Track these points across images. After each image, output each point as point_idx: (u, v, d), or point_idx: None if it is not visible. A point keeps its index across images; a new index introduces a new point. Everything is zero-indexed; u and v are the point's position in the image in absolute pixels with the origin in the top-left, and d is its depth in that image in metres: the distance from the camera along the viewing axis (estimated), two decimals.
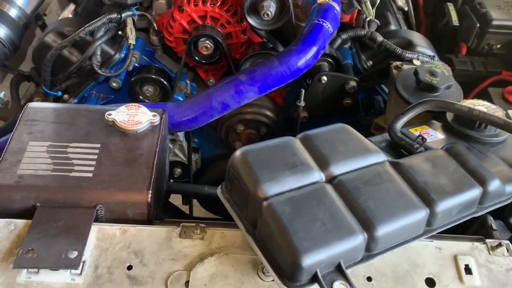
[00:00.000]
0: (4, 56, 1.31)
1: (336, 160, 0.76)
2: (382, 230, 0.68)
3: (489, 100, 1.25)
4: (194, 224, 0.78)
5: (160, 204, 0.96)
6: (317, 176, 0.74)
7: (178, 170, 1.47)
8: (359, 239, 0.66)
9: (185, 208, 1.54)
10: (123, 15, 1.26)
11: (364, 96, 1.39)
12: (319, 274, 0.63)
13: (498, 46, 1.54)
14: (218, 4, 1.25)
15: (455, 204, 0.76)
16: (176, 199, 1.58)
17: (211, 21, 1.27)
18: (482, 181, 0.79)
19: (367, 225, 0.68)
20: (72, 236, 0.74)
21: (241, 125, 1.36)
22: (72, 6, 1.51)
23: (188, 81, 1.20)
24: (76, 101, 1.36)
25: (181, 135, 1.41)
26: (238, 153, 0.76)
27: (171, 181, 1.50)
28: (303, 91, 1.14)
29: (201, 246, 0.76)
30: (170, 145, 1.43)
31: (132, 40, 1.26)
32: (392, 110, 1.16)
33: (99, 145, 0.87)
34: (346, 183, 0.73)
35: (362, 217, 0.68)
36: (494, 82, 1.45)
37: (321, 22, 1.09)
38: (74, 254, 0.72)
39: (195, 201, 1.56)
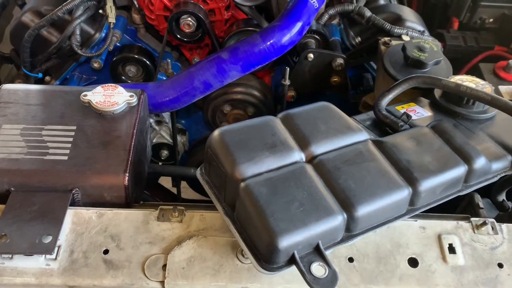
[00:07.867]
0: None
1: (317, 139, 0.74)
2: (362, 210, 0.66)
3: (480, 76, 1.22)
4: (172, 207, 0.76)
5: (142, 187, 0.93)
6: (297, 156, 0.72)
7: (165, 152, 1.45)
8: (338, 220, 0.65)
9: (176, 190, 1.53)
10: None
11: (353, 74, 1.36)
12: (297, 256, 0.62)
13: (491, 20, 1.50)
14: None
15: (439, 182, 0.74)
16: (167, 181, 1.56)
17: None
18: (467, 159, 0.77)
19: (347, 205, 0.66)
20: (47, 221, 0.72)
21: (227, 105, 1.33)
22: None
23: (169, 60, 1.17)
24: (58, 82, 1.33)
25: (166, 116, 1.38)
26: (216, 133, 0.74)
27: (160, 163, 1.48)
28: (288, 69, 1.11)
29: (180, 229, 0.74)
30: (156, 127, 1.40)
31: (112, 19, 1.22)
32: (381, 88, 1.13)
33: (74, 127, 0.84)
34: (327, 162, 0.71)
35: (341, 197, 0.67)
36: (487, 57, 1.41)
37: None
38: (49, 239, 0.70)
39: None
